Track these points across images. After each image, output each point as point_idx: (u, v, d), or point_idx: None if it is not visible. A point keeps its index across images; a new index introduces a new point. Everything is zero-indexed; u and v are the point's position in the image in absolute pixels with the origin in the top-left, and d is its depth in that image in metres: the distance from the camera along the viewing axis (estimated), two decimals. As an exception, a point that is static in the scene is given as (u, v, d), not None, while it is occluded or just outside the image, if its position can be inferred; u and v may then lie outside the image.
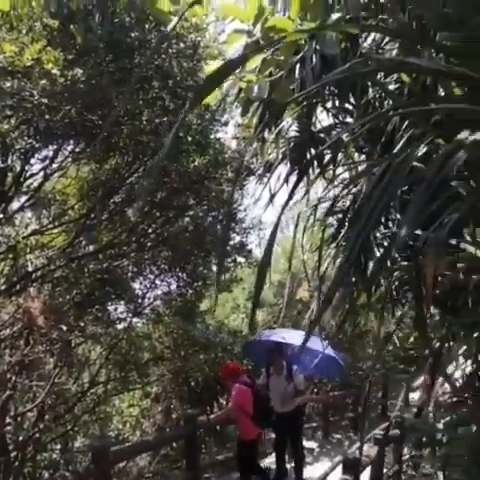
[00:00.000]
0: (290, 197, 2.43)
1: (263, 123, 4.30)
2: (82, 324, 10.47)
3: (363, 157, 4.77)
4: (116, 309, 11.87)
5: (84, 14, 6.44)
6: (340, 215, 4.76)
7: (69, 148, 9.30)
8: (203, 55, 8.56)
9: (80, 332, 10.56)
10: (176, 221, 11.02)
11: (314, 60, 3.70)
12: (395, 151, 2.84)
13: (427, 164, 2.33)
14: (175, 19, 4.71)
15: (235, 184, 10.40)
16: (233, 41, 3.95)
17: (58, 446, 12.51)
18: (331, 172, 4.86)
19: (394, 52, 3.85)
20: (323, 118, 5.02)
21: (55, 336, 9.50)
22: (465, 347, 3.89)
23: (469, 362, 4.08)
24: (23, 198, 9.54)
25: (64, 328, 9.49)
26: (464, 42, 2.19)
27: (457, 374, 4.40)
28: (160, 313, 13.21)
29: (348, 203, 4.56)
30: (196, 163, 9.32)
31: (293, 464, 9.31)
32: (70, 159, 9.55)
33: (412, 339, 6.71)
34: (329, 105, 4.84)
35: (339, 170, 4.85)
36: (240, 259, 12.41)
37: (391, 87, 3.78)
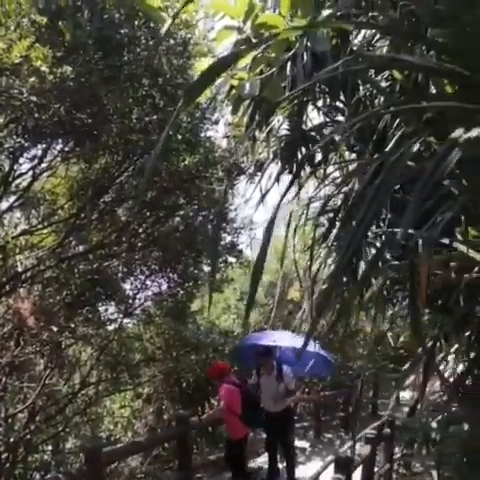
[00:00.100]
0: (283, 196, 2.40)
1: (254, 121, 4.28)
2: (72, 325, 10.42)
3: (354, 156, 4.75)
4: (107, 310, 11.83)
5: (73, 10, 6.39)
6: (331, 214, 4.73)
7: (58, 147, 9.23)
8: (193, 52, 8.53)
9: (70, 333, 10.51)
10: (166, 221, 10.98)
11: (305, 57, 3.68)
12: (387, 149, 2.83)
13: (419, 162, 2.32)
14: (165, 15, 4.69)
15: (228, 184, 10.37)
16: (223, 38, 3.93)
17: (49, 447, 12.44)
18: (322, 171, 4.84)
19: (384, 49, 3.84)
20: (314, 116, 5.01)
21: (45, 337, 9.46)
22: (456, 346, 3.89)
23: (460, 361, 4.08)
24: (12, 198, 9.48)
25: (54, 329, 9.45)
26: (456, 39, 2.17)
27: (447, 374, 4.40)
28: (151, 314, 13.17)
29: (339, 202, 4.53)
30: (186, 162, 9.28)
31: (285, 464, 9.31)
32: (59, 158, 9.49)
33: (402, 339, 6.72)
34: (320, 103, 4.82)
35: (330, 169, 4.83)
36: (231, 259, 12.37)
37: (382, 84, 3.77)
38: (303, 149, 4.82)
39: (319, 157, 4.81)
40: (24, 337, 9.47)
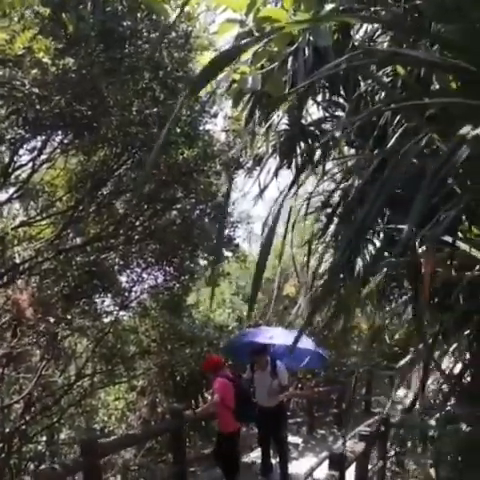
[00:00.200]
0: (288, 192, 2.40)
1: (255, 115, 4.27)
2: (69, 317, 10.41)
3: (353, 151, 4.75)
4: (103, 302, 11.81)
5: (76, 2, 6.38)
6: (329, 210, 4.73)
7: (57, 139, 9.22)
8: (194, 46, 8.51)
9: (67, 325, 10.50)
10: (164, 214, 10.97)
11: (307, 52, 3.67)
12: (388, 146, 2.82)
13: (420, 159, 2.31)
14: (167, 8, 4.67)
15: (230, 178, 10.37)
16: (225, 31, 3.91)
17: (44, 438, 12.46)
18: (320, 166, 4.83)
19: (385, 44, 3.84)
20: (313, 111, 5.01)
21: (42, 328, 9.46)
22: (456, 344, 3.89)
23: (459, 359, 4.08)
24: (11, 189, 9.47)
25: (51, 320, 9.45)
26: (463, 35, 2.16)
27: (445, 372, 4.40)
28: (147, 307, 13.16)
29: (336, 198, 4.53)
30: (185, 155, 9.28)
31: (278, 459, 9.32)
32: (58, 150, 9.48)
33: (397, 336, 6.71)
34: (319, 98, 4.82)
35: (329, 164, 4.82)
36: (227, 253, 12.36)
37: (384, 80, 3.76)
38: (302, 144, 4.81)
39: (318, 152, 4.80)
40: (21, 328, 9.46)
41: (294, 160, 4.77)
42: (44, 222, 10.58)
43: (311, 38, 3.56)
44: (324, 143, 4.25)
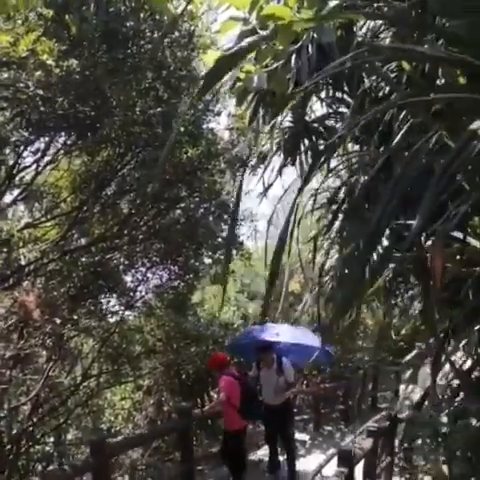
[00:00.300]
0: (301, 190, 2.39)
1: (260, 113, 4.28)
2: (75, 317, 10.43)
3: (357, 147, 4.74)
4: (108, 302, 11.84)
5: (79, 3, 6.39)
6: (334, 206, 4.72)
7: (61, 140, 9.25)
8: (197, 44, 8.52)
9: (73, 325, 10.52)
10: (168, 213, 10.98)
11: (311, 49, 3.67)
12: (395, 142, 2.81)
13: (427, 155, 2.30)
14: (171, 7, 4.67)
15: (241, 178, 10.36)
16: (228, 29, 3.89)
17: (51, 439, 12.47)
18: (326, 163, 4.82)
19: (387, 40, 3.83)
20: (317, 108, 5.01)
21: (49, 330, 9.47)
22: (466, 340, 3.88)
23: (469, 355, 4.08)
24: (16, 191, 9.49)
25: (58, 321, 9.46)
26: (470, 30, 2.15)
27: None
28: (152, 306, 13.18)
29: (342, 194, 4.52)
30: (189, 154, 9.29)
31: (285, 456, 9.31)
32: (62, 151, 9.50)
33: (403, 331, 6.70)
34: (323, 95, 4.81)
35: (334, 161, 4.81)
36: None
37: (389, 75, 3.75)
38: (306, 141, 4.81)
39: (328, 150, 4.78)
40: (28, 330, 9.47)
41: (298, 157, 4.77)
42: (49, 223, 10.61)
43: (315, 35, 3.56)
44: (332, 141, 4.25)
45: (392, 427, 8.83)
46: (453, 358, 4.26)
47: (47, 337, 9.90)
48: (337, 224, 4.37)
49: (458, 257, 3.04)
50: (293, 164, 4.87)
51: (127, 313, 12.68)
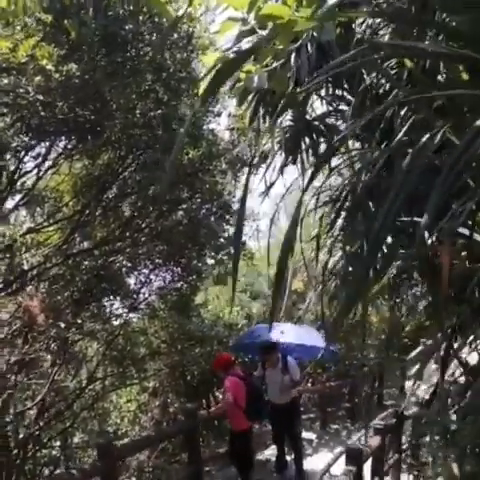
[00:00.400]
0: (305, 190, 2.39)
1: (261, 112, 4.27)
2: (79, 321, 10.43)
3: (358, 144, 4.73)
4: (112, 305, 11.85)
5: (77, 8, 6.39)
6: (337, 204, 4.71)
7: (62, 144, 9.26)
8: (196, 46, 8.52)
9: (77, 329, 10.51)
10: (170, 215, 10.98)
11: (310, 48, 3.67)
12: (397, 139, 2.81)
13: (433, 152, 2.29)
14: (170, 9, 4.66)
15: (247, 180, 10.39)
16: (226, 30, 3.89)
17: (58, 443, 12.47)
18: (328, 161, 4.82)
19: (387, 37, 3.82)
20: (317, 106, 4.99)
21: (53, 334, 9.46)
22: (472, 336, 3.87)
23: (476, 351, 4.06)
24: (17, 197, 9.50)
25: (62, 325, 9.45)
26: (473, 25, 2.14)
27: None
28: (155, 308, 13.18)
29: (345, 192, 4.51)
30: (190, 155, 9.29)
31: (293, 455, 9.31)
32: (63, 156, 9.50)
33: (408, 328, 6.69)
34: (323, 92, 4.80)
35: (335, 158, 4.80)
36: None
37: (389, 72, 3.74)
38: (307, 139, 4.79)
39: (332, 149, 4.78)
40: (32, 334, 9.47)
41: (300, 156, 4.76)
42: (51, 228, 10.63)
43: (314, 33, 3.55)
44: (332, 139, 4.24)
45: (399, 424, 8.82)
46: (460, 354, 4.26)
47: (52, 341, 9.89)
48: (340, 222, 4.36)
49: (464, 253, 3.04)
50: (294, 163, 4.86)
51: (131, 315, 12.70)
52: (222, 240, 11.37)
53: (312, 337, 10.02)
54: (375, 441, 7.42)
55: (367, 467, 7.18)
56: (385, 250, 3.27)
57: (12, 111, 7.19)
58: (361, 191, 3.35)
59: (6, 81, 6.53)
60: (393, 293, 5.08)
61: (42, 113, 7.19)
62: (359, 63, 2.94)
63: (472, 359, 4.29)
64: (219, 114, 10.19)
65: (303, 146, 4.79)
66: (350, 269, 3.87)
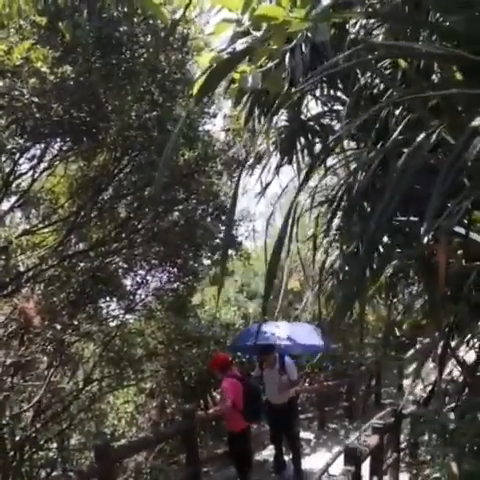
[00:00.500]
0: (299, 190, 2.38)
1: (256, 113, 4.27)
2: (76, 322, 10.43)
3: (353, 144, 4.73)
4: (109, 306, 11.85)
5: (72, 10, 6.39)
6: (333, 204, 4.71)
7: (57, 146, 9.25)
8: (191, 47, 8.53)
9: (74, 330, 10.51)
10: (166, 216, 10.97)
11: (304, 48, 3.67)
12: (392, 139, 2.81)
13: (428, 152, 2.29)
14: (165, 11, 4.66)
15: (238, 180, 10.38)
16: (221, 31, 3.89)
17: (55, 445, 12.46)
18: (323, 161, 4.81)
19: (380, 37, 3.82)
20: (312, 106, 4.99)
21: (49, 335, 9.45)
22: (470, 335, 3.88)
23: (473, 349, 4.07)
24: (13, 198, 9.49)
25: (58, 327, 9.45)
26: (469, 25, 2.14)
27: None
28: (152, 309, 13.15)
29: (340, 192, 4.51)
30: (185, 156, 9.30)
31: (291, 455, 9.30)
32: (58, 157, 9.49)
33: (405, 326, 6.70)
34: (318, 92, 4.80)
35: (331, 158, 4.80)
36: (231, 251, 12.33)
37: (384, 72, 3.74)
38: (302, 140, 4.80)
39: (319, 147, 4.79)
40: (28, 336, 9.47)
41: (295, 156, 4.76)
42: (47, 229, 10.62)
43: (309, 34, 3.55)
44: (326, 139, 4.25)
45: (397, 423, 8.82)
46: (458, 353, 4.27)
47: (48, 343, 9.88)
48: (336, 222, 4.37)
49: (460, 252, 3.04)
50: (290, 163, 4.86)
51: (127, 316, 12.69)
52: (218, 241, 11.36)
53: (306, 333, 10.08)
54: (373, 440, 7.40)
55: (365, 466, 7.18)
56: (381, 249, 3.27)
57: (7, 113, 7.18)
58: (357, 191, 3.35)
59: (1, 83, 6.53)
60: (390, 292, 5.09)
61: (37, 115, 7.19)
62: (353, 63, 2.95)
63: (469, 357, 4.30)
64: (215, 115, 10.21)
65: (298, 146, 4.80)
66: (347, 268, 3.87)
